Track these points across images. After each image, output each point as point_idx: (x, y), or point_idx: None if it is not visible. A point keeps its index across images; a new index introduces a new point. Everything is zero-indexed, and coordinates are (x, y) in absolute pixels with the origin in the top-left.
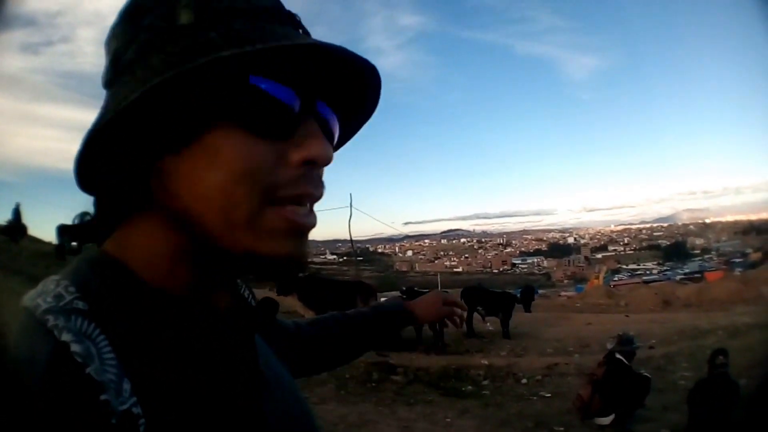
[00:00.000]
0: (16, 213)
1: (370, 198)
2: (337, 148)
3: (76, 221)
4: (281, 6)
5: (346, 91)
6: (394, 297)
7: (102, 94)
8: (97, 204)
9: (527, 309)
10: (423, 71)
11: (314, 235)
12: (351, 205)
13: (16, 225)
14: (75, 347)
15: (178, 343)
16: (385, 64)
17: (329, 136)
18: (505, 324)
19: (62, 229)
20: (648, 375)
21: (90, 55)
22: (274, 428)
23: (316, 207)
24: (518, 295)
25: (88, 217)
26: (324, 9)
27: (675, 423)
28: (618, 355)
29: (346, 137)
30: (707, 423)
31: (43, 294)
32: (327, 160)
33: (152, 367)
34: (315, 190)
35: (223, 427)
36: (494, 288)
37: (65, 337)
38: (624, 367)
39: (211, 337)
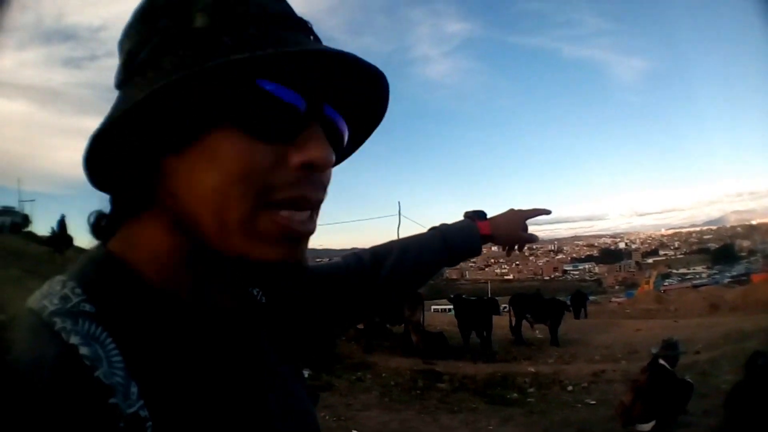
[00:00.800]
0: (62, 224)
1: (419, 206)
2: (348, 153)
3: (92, 219)
4: (293, 13)
5: (355, 96)
6: (463, 219)
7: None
8: (112, 202)
9: (577, 315)
10: (470, 78)
11: (362, 243)
12: (399, 213)
13: (62, 236)
14: (83, 350)
15: (183, 346)
16: (432, 72)
17: (336, 139)
18: (553, 331)
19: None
20: (691, 381)
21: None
22: (278, 428)
23: (368, 216)
24: (569, 302)
25: (100, 216)
26: (370, 19)
27: (714, 427)
28: (661, 361)
29: (357, 142)
30: (744, 425)
31: (50, 295)
32: (326, 164)
33: (158, 369)
34: (313, 194)
35: (228, 427)
36: (546, 295)
37: (73, 339)
38: (667, 372)
39: (215, 339)
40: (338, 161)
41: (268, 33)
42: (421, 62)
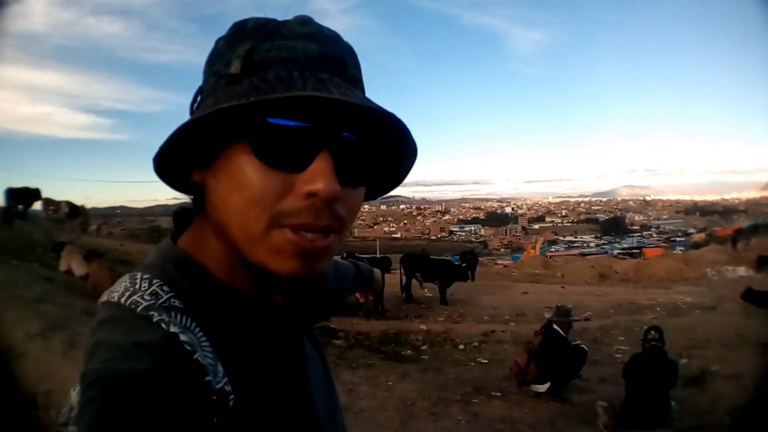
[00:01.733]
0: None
1: None
2: (390, 187)
3: (176, 212)
4: (325, 54)
5: (376, 130)
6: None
7: (49, 55)
8: (193, 202)
9: (472, 276)
10: (369, 37)
11: None
12: None
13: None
14: (183, 337)
15: (249, 334)
16: (330, 27)
17: (354, 169)
18: (442, 291)
19: (10, 192)
20: (585, 347)
21: (40, 15)
22: (318, 410)
23: None
24: (459, 262)
25: (181, 211)
26: None
27: (611, 394)
28: (555, 326)
29: (398, 177)
30: (643, 397)
31: (138, 292)
32: (329, 195)
33: (234, 352)
34: (315, 221)
35: (284, 404)
36: (433, 255)
37: (173, 329)
38: (560, 337)
39: (272, 330)
40: (381, 192)
41: (288, 77)
42: (318, 16)
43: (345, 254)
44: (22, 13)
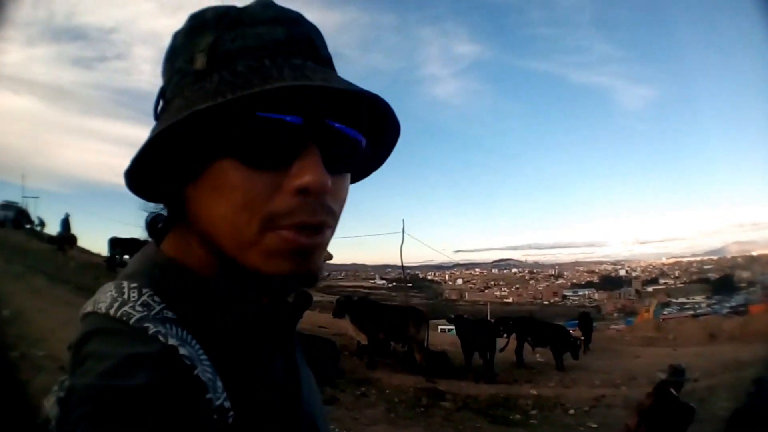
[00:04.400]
0: (65, 223)
1: (423, 225)
2: (373, 167)
3: (148, 219)
4: (294, 37)
5: (361, 111)
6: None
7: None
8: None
9: (588, 340)
10: (478, 99)
11: (364, 259)
12: (403, 231)
13: (65, 235)
14: (183, 350)
15: (242, 343)
16: (440, 92)
17: (339, 157)
18: (558, 357)
19: (114, 242)
20: (693, 406)
21: (146, 73)
22: (307, 413)
23: (371, 232)
24: (577, 326)
25: (156, 217)
26: (380, 37)
27: None
28: (669, 386)
29: (382, 157)
30: None
31: (129, 302)
32: (320, 188)
33: (230, 365)
34: (311, 218)
35: (277, 411)
36: (545, 320)
37: (172, 341)
38: (672, 397)
39: (264, 337)
40: (364, 174)
41: (258, 67)
42: (429, 81)
43: (453, 316)
44: (126, 70)
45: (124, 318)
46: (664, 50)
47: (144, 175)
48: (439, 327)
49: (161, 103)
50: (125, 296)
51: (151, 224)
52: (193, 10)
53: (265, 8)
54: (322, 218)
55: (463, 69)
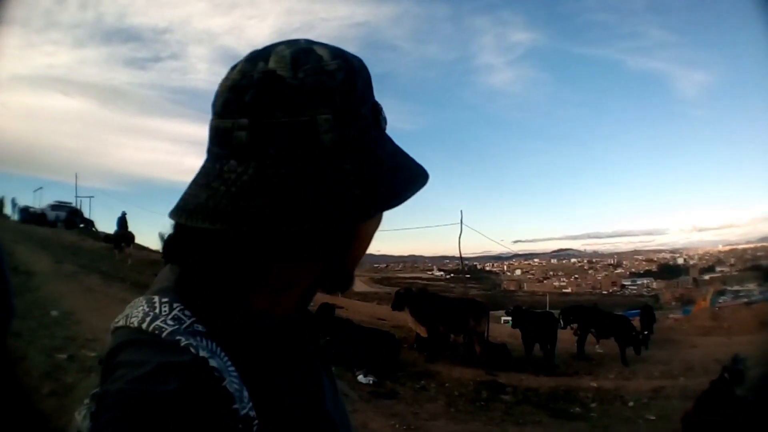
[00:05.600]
0: (122, 221)
1: (481, 215)
2: None
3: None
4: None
5: None
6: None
7: None
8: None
9: (650, 333)
10: (534, 87)
11: (422, 251)
12: (462, 222)
13: (123, 233)
14: (212, 362)
15: (268, 353)
16: (496, 81)
17: None
18: (623, 349)
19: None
20: (749, 397)
21: (202, 72)
22: (330, 422)
23: (430, 224)
24: (638, 316)
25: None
26: (436, 28)
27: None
28: (726, 375)
29: None
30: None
31: (160, 317)
32: None
33: (258, 376)
34: None
35: (300, 420)
36: (606, 309)
37: (203, 353)
38: (727, 387)
39: (290, 347)
40: None
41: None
42: (484, 71)
43: (512, 308)
44: (181, 70)
45: (156, 332)
46: (719, 35)
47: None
48: (502, 318)
49: (348, 135)
50: (157, 311)
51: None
52: (248, 9)
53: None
54: None
55: (518, 57)
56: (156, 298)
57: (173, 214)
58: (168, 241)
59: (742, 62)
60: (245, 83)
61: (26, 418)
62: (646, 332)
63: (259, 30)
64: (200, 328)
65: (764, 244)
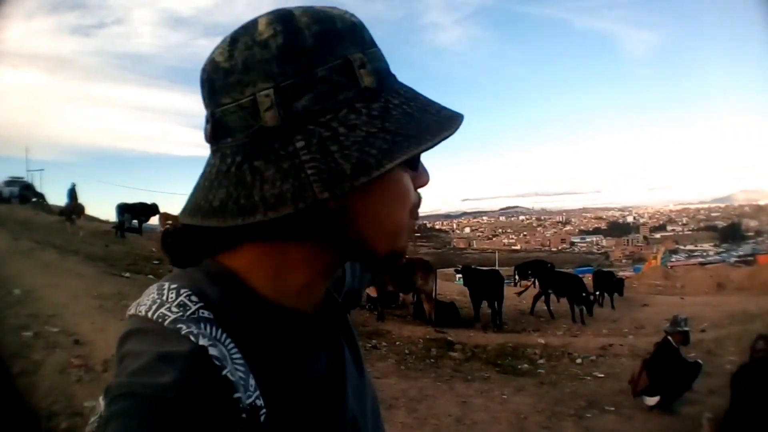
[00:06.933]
0: (72, 193)
1: (429, 174)
2: None
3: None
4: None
5: None
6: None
7: (160, 75)
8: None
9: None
10: (481, 46)
11: None
12: None
13: (73, 205)
14: (212, 351)
15: (283, 343)
16: (443, 39)
17: None
18: (573, 309)
19: (122, 208)
20: (700, 361)
21: (146, 35)
22: (350, 413)
23: None
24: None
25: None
26: None
27: (719, 406)
28: (669, 338)
29: None
30: (748, 407)
31: (165, 304)
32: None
33: (267, 364)
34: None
35: (314, 410)
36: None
37: (202, 341)
38: (673, 350)
39: (308, 337)
40: None
41: (414, 95)
42: (431, 29)
43: (461, 267)
44: (125, 35)
45: (159, 320)
46: None
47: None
48: (456, 277)
49: (299, 106)
50: (164, 297)
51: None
52: None
53: (353, 16)
54: None
55: (465, 16)
56: (166, 285)
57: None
58: (167, 240)
59: (689, 20)
60: (202, 76)
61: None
62: (597, 293)
63: None
64: (206, 314)
65: (718, 204)
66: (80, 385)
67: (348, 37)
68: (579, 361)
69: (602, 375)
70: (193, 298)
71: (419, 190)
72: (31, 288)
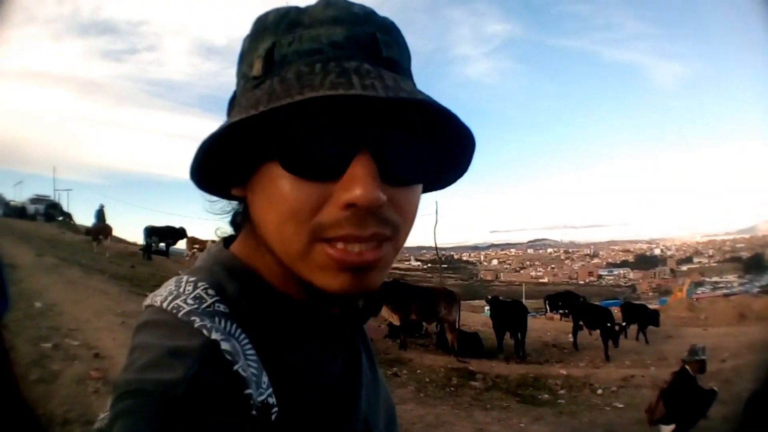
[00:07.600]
0: (100, 214)
1: (457, 205)
2: (458, 175)
3: (232, 217)
4: (354, 38)
5: (425, 119)
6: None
7: (193, 104)
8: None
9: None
10: (510, 78)
11: None
12: (437, 212)
13: (100, 226)
14: (224, 345)
15: (299, 342)
16: (472, 72)
17: (403, 167)
18: (606, 342)
19: (149, 230)
20: (715, 389)
21: (179, 63)
22: (362, 418)
23: None
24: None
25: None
26: (412, 18)
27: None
28: (686, 367)
29: (460, 166)
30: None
31: (182, 296)
32: (370, 203)
33: (281, 361)
34: (360, 231)
35: (327, 412)
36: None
37: (215, 335)
38: (689, 378)
39: (324, 338)
40: (443, 184)
41: (308, 73)
42: (461, 61)
43: (490, 297)
44: (157, 62)
45: (174, 311)
46: (694, 27)
47: (210, 172)
48: (485, 308)
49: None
50: (181, 289)
51: (234, 220)
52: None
53: (327, 7)
54: (374, 231)
55: (494, 48)
56: (184, 278)
57: None
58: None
59: (717, 52)
60: None
61: (15, 405)
62: (624, 324)
63: (237, 20)
64: (222, 308)
65: (743, 235)
66: (97, 396)
67: (271, 28)
68: (600, 391)
69: (622, 405)
70: (210, 291)
71: (355, 208)
72: (54, 302)
